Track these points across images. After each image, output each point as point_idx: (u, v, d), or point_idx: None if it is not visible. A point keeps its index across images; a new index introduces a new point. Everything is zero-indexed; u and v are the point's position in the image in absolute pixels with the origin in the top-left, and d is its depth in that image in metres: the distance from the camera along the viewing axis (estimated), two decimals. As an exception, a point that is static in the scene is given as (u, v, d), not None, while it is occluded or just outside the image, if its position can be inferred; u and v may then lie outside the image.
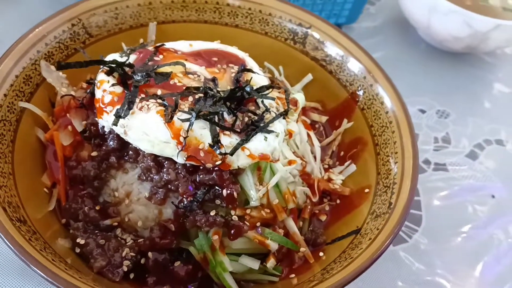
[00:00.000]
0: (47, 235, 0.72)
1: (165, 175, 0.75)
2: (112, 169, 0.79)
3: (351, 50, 0.94)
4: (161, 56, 0.84)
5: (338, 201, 0.89)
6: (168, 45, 0.88)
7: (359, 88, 0.93)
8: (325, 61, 0.98)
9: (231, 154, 0.73)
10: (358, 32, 1.37)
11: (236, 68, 0.87)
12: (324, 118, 0.99)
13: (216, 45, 0.92)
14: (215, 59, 0.88)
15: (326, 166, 0.94)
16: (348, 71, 0.95)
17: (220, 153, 0.72)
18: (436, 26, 1.16)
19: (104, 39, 0.94)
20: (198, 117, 0.72)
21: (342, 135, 0.96)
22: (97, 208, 0.78)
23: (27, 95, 0.82)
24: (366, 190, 0.84)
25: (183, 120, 0.72)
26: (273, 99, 0.80)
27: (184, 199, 0.74)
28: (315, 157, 0.92)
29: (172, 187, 0.75)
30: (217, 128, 0.73)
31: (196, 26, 1.01)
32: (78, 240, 0.73)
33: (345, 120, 0.95)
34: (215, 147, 0.72)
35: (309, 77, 1.00)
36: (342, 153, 0.95)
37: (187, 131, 0.72)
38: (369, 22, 1.39)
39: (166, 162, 0.75)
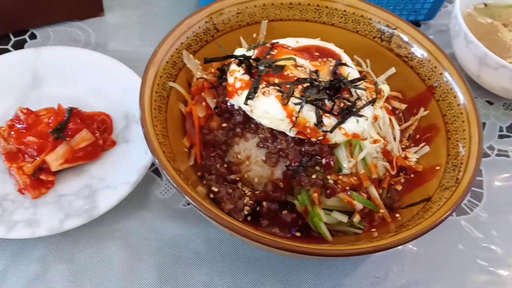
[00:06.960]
0: (190, 184, 0.97)
1: (278, 144, 0.97)
2: (236, 137, 1.03)
3: (431, 50, 1.12)
4: (275, 51, 1.06)
5: (412, 175, 1.08)
6: (280, 41, 1.10)
7: (436, 83, 1.11)
8: (407, 58, 1.16)
9: (331, 131, 0.94)
10: (435, 29, 1.52)
11: (333, 62, 1.07)
12: (403, 106, 1.17)
13: (317, 42, 1.12)
14: (317, 53, 1.09)
15: (404, 147, 1.13)
16: (427, 67, 1.13)
17: (323, 131, 0.93)
18: (485, 78, 1.26)
19: (227, 33, 1.17)
20: (306, 102, 0.94)
21: (418, 121, 1.14)
22: (225, 166, 1.02)
23: (173, 76, 1.07)
24: (437, 168, 1.03)
25: (295, 104, 0.94)
26: (364, 89, 1.00)
27: (292, 163, 0.97)
28: (395, 138, 1.11)
29: (283, 154, 0.98)
30: (320, 111, 0.95)
31: (299, 24, 1.22)
32: (212, 188, 0.98)
33: (422, 109, 1.13)
34: (319, 125, 0.94)
35: (392, 70, 1.19)
36: (417, 136, 1.13)
37: (298, 112, 0.94)
38: (446, 20, 1.49)
39: (279, 135, 0.98)
